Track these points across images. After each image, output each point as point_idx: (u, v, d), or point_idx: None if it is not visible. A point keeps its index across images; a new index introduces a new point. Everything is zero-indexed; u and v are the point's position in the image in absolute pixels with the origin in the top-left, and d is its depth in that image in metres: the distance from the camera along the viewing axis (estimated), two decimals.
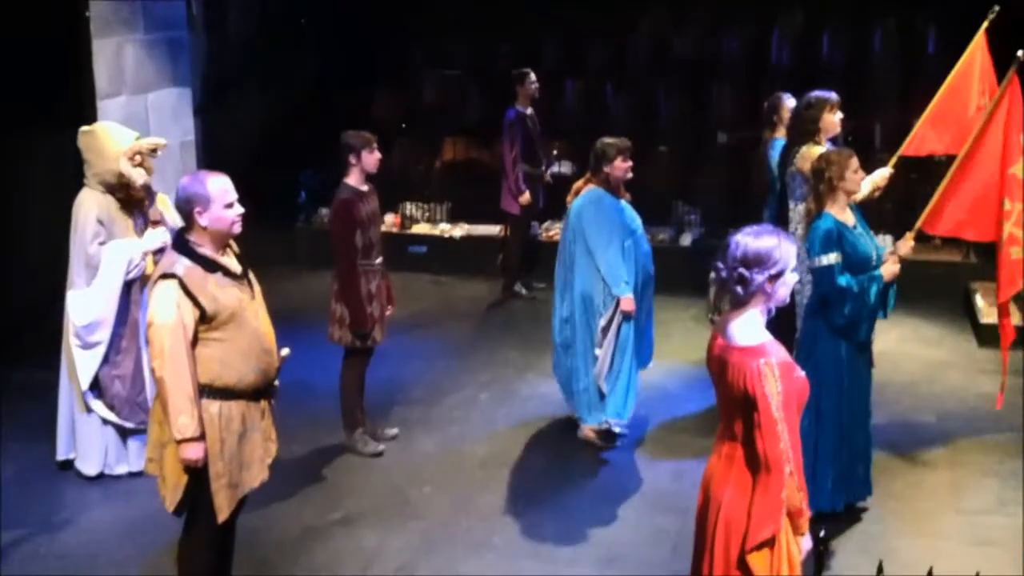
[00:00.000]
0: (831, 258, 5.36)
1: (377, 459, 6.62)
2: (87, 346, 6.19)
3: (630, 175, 6.62)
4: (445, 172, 11.49)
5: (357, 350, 6.59)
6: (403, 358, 8.08)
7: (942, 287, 9.28)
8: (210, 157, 9.75)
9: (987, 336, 8.49)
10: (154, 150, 6.26)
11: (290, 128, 11.09)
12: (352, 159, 6.44)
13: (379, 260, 6.57)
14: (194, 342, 4.35)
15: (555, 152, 10.59)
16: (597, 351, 6.53)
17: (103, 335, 6.18)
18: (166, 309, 4.29)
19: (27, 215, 8.05)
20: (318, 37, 11.60)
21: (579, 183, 6.74)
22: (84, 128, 6.28)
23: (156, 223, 6.26)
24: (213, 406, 4.40)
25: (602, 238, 6.45)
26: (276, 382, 4.64)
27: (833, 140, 6.75)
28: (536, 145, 9.58)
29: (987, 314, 8.75)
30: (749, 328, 3.68)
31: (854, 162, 5.52)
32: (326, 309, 6.59)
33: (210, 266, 4.39)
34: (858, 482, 5.71)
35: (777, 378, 3.55)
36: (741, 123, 10.85)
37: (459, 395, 7.67)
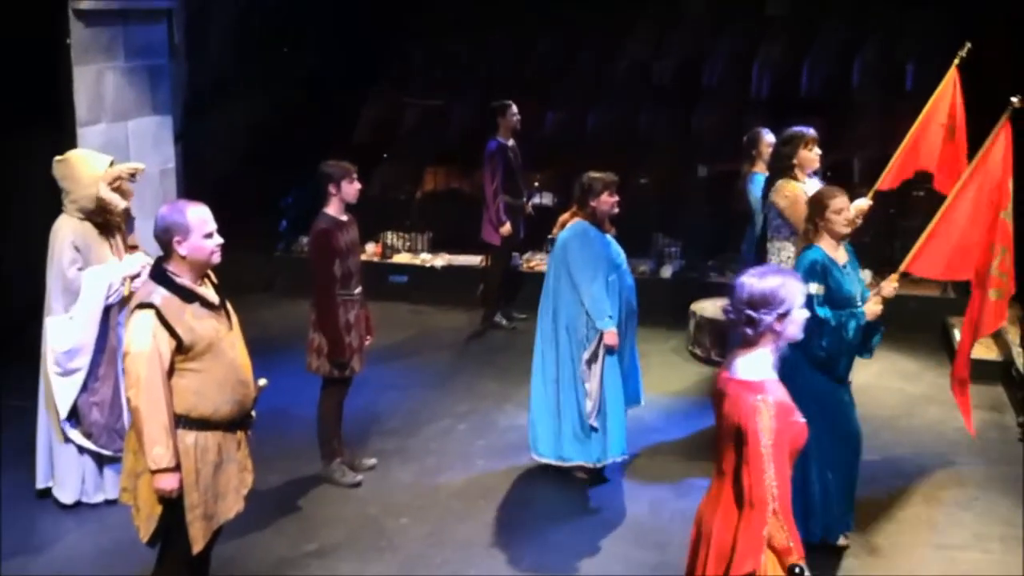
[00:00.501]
0: (812, 288, 5.34)
1: (354, 490, 6.57)
2: (66, 372, 6.14)
3: (616, 210, 6.63)
4: (426, 202, 11.50)
5: (335, 380, 6.56)
6: (381, 388, 8.04)
7: (920, 322, 9.32)
8: (190, 184, 9.73)
9: None
10: (133, 174, 6.27)
11: (271, 156, 11.08)
12: (332, 189, 6.44)
13: (358, 290, 6.55)
14: (170, 372, 4.32)
15: (536, 184, 10.63)
16: (586, 385, 6.48)
17: (83, 361, 6.14)
18: (142, 338, 4.27)
19: (6, 241, 8.01)
20: (299, 67, 11.61)
21: (565, 215, 6.74)
22: (58, 157, 6.26)
23: (134, 248, 6.28)
24: (189, 436, 4.38)
25: (587, 272, 6.44)
26: (253, 413, 4.62)
27: (814, 173, 6.81)
28: (517, 176, 9.60)
29: None
30: (755, 365, 3.72)
31: (837, 203, 5.52)
32: (304, 337, 6.56)
33: (188, 296, 4.38)
34: (834, 518, 5.69)
35: (771, 416, 3.57)
36: (721, 156, 10.91)
37: (437, 425, 7.64)
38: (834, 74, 11.92)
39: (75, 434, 6.20)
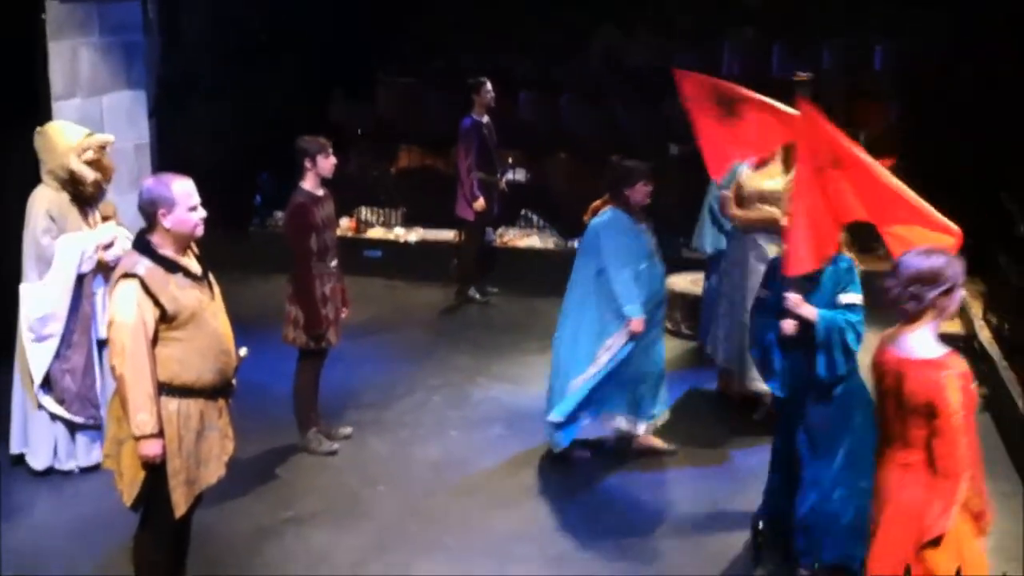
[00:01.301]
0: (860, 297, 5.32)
1: (330, 459, 6.69)
2: (40, 339, 6.22)
3: (649, 200, 6.61)
4: (401, 177, 11.56)
5: (311, 351, 6.66)
6: (357, 361, 8.13)
7: (884, 298, 9.45)
8: (164, 160, 9.75)
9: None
10: (103, 147, 6.33)
11: (245, 132, 11.10)
12: (307, 163, 6.52)
13: (334, 263, 6.64)
14: (154, 341, 4.41)
15: (510, 160, 10.71)
16: (594, 363, 6.49)
17: (56, 328, 6.23)
18: (127, 308, 4.36)
19: None
20: (274, 42, 11.62)
21: (597, 203, 6.71)
22: (38, 128, 6.40)
23: (107, 217, 6.39)
24: (172, 404, 4.47)
25: (618, 260, 6.44)
26: (234, 381, 4.72)
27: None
28: (492, 153, 9.68)
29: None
30: (926, 342, 3.93)
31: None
32: (280, 312, 6.66)
33: (171, 267, 4.46)
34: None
35: (959, 389, 3.83)
36: (692, 136, 11.01)
37: (412, 398, 7.75)
38: (805, 54, 12.02)
39: (48, 401, 6.29)
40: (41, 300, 6.20)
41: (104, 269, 6.26)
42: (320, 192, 6.58)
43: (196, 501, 4.66)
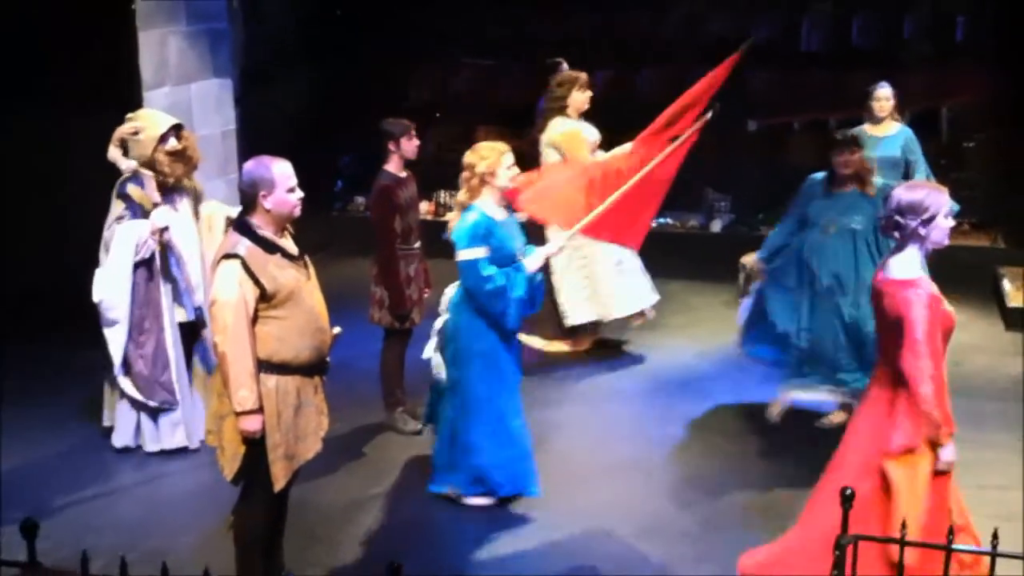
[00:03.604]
0: (478, 252, 5.52)
1: (416, 437, 6.82)
2: (107, 323, 6.37)
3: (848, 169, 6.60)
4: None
5: (396, 331, 6.80)
6: None
7: (970, 272, 9.35)
8: (250, 145, 9.96)
9: (1014, 320, 8.64)
10: (135, 133, 6.35)
11: (327, 116, 11.29)
12: (391, 146, 6.64)
13: (417, 244, 6.76)
14: (254, 319, 4.55)
15: None
16: None
17: (119, 314, 6.34)
18: (228, 287, 4.51)
19: (77, 199, 8.29)
20: (354, 27, 11.78)
21: None
22: (128, 115, 6.56)
23: (157, 204, 6.39)
24: (270, 380, 4.60)
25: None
26: (328, 359, 4.85)
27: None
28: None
29: (1014, 298, 8.88)
30: (906, 264, 4.34)
31: (507, 159, 5.68)
32: (364, 294, 6.80)
33: (270, 247, 4.60)
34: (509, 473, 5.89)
35: (924, 306, 4.18)
36: (771, 110, 10.97)
37: None
38: (886, 25, 11.87)
39: (126, 384, 6.46)
40: (100, 285, 6.32)
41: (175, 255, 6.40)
42: (403, 174, 6.70)
43: (294, 476, 4.81)
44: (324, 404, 4.90)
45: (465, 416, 5.81)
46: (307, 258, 4.82)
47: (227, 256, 4.55)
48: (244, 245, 4.56)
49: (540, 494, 5.92)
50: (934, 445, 4.26)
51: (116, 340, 6.39)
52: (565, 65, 9.52)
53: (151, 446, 6.57)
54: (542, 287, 5.89)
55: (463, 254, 5.58)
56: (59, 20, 7.75)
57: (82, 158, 6.28)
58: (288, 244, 4.73)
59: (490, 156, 5.67)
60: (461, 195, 5.76)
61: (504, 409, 5.84)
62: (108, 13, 8.24)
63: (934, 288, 4.29)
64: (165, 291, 6.45)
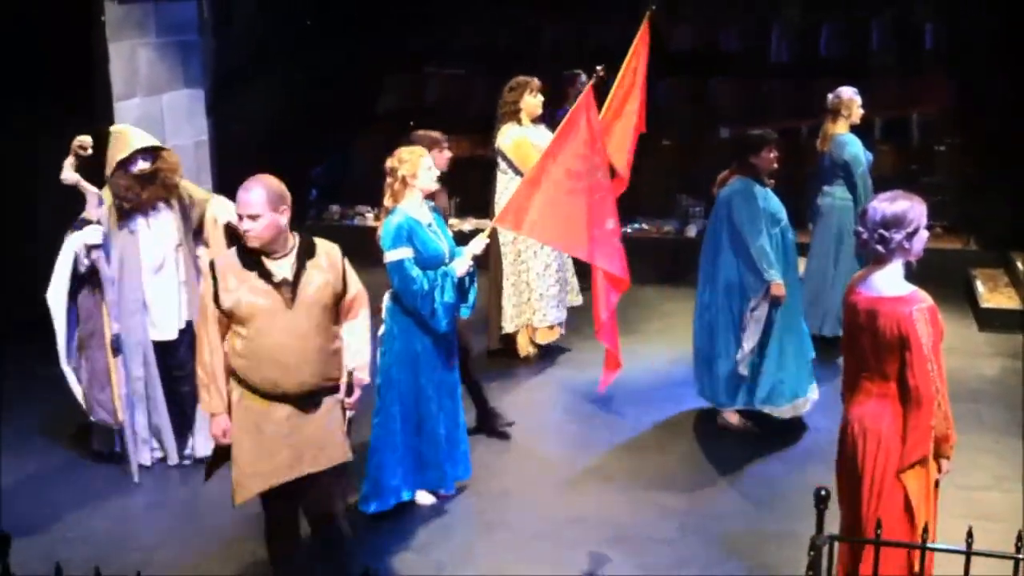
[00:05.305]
0: (402, 253, 5.54)
1: None
2: (57, 331, 6.25)
3: (776, 166, 6.75)
4: (452, 168, 11.62)
5: None
6: None
7: (943, 274, 9.39)
8: (223, 156, 9.94)
9: (986, 320, 8.71)
10: (82, 147, 6.18)
11: (299, 125, 11.26)
12: None
13: None
14: (229, 326, 4.54)
15: None
16: (742, 336, 6.62)
17: (57, 323, 6.21)
18: (204, 286, 4.64)
19: (46, 213, 8.22)
20: (325, 37, 11.76)
21: (724, 174, 6.87)
22: (112, 127, 6.47)
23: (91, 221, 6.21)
24: (235, 392, 4.57)
25: (753, 227, 6.56)
26: (308, 394, 4.54)
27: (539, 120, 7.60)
28: None
29: (987, 299, 8.96)
30: (893, 279, 4.25)
31: (426, 161, 5.71)
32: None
33: (249, 264, 4.48)
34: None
35: (927, 322, 4.13)
36: (741, 117, 11.02)
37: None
38: (854, 33, 11.97)
39: (78, 392, 6.38)
40: (49, 290, 6.18)
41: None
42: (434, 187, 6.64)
43: (299, 493, 4.60)
44: (322, 434, 4.59)
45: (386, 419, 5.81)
46: (305, 287, 4.51)
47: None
48: (228, 253, 4.65)
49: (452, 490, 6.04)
50: (937, 454, 4.31)
51: (59, 347, 6.29)
52: (583, 76, 9.43)
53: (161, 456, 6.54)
54: (475, 289, 5.87)
55: (388, 255, 5.60)
56: (28, 31, 7.69)
57: (53, 169, 6.23)
58: (278, 267, 4.51)
59: (410, 159, 5.71)
60: (386, 199, 5.77)
61: (423, 412, 5.83)
62: (78, 24, 8.21)
63: (930, 299, 4.21)
64: (107, 310, 6.23)
